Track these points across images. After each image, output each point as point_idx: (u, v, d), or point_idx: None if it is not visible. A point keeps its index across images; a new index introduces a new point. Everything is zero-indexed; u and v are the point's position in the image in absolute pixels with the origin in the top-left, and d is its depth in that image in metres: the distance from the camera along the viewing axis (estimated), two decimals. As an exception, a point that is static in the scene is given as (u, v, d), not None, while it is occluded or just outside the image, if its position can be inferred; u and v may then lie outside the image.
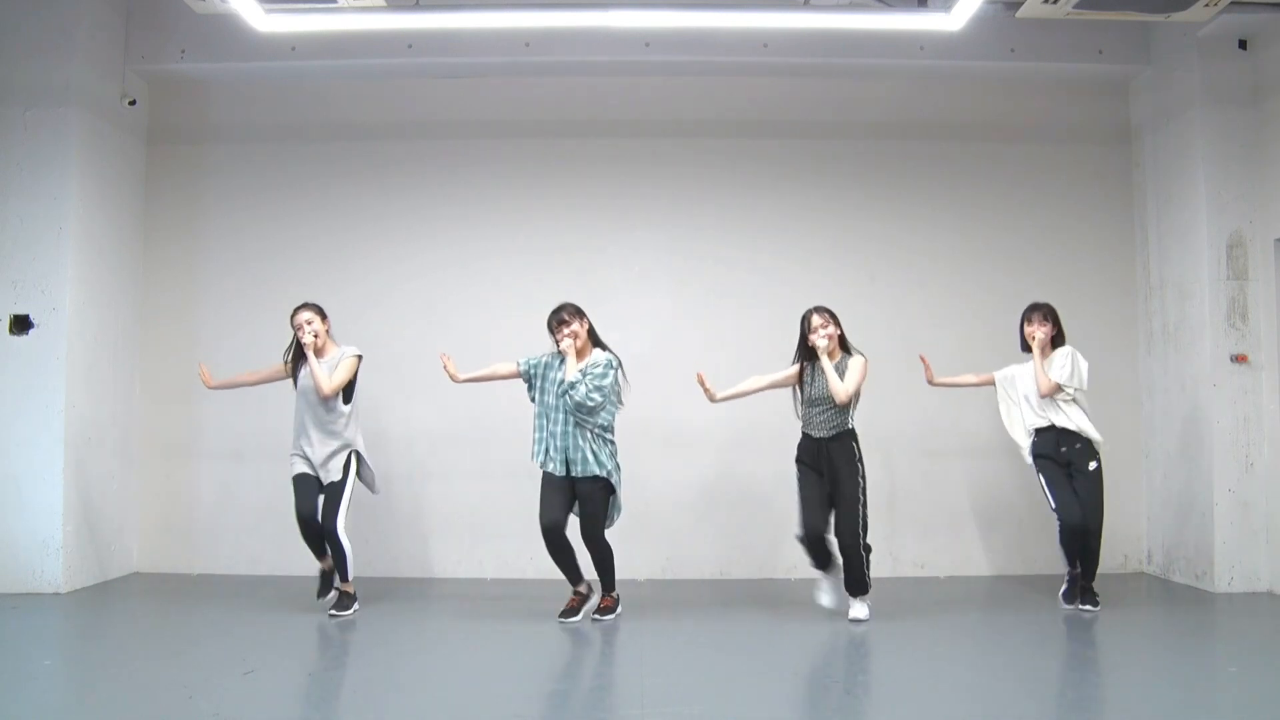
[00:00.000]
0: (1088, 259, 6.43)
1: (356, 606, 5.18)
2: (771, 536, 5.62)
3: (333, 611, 5.09)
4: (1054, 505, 5.16)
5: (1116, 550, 6.31)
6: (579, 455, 4.97)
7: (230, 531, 6.26)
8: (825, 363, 5.00)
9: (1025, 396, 5.29)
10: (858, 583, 5.01)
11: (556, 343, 5.07)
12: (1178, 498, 5.99)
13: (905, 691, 3.98)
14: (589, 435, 4.98)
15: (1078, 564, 5.25)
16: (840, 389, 4.96)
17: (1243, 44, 5.77)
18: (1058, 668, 4.34)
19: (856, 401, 5.11)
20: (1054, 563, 6.08)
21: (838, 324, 5.10)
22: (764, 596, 5.54)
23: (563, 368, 5.03)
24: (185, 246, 6.41)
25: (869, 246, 6.42)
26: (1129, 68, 6.27)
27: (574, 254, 6.34)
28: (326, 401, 5.11)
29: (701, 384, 5.16)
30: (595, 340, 5.14)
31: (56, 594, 5.49)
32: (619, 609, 5.17)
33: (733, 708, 3.75)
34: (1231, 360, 5.71)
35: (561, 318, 5.05)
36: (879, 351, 6.18)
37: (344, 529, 5.11)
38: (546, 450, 5.03)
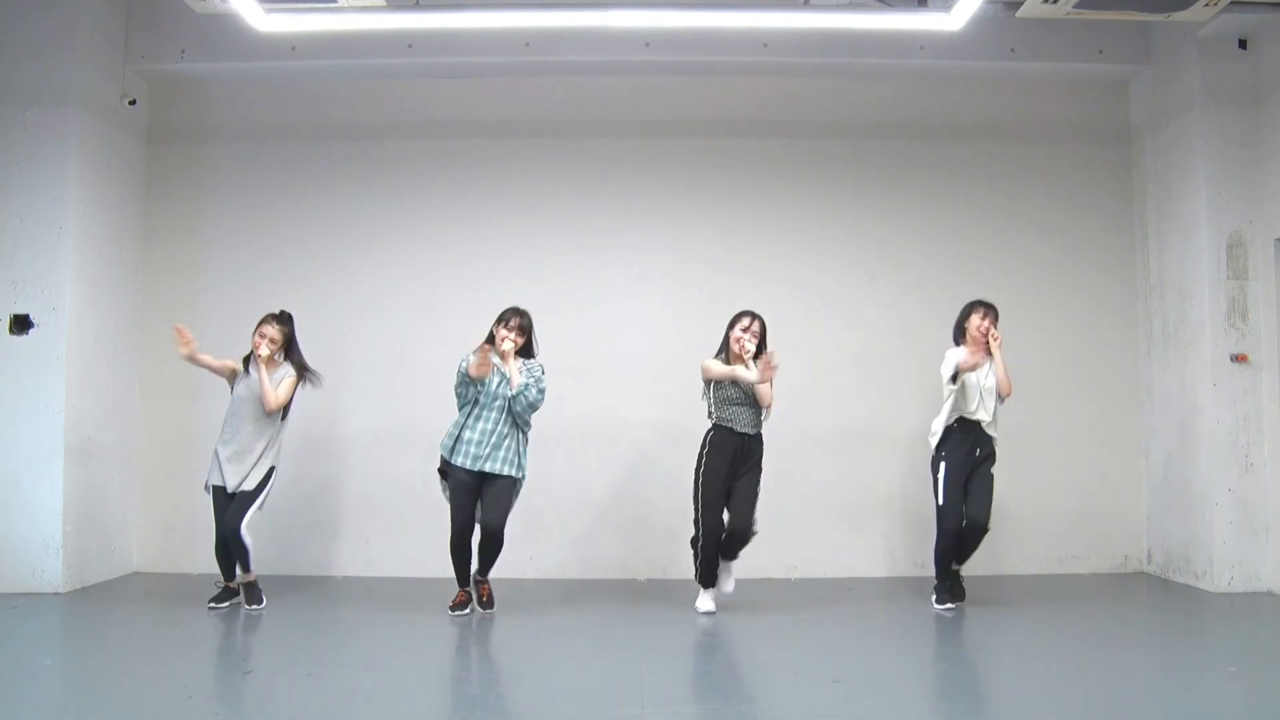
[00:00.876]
0: (1087, 259, 6.43)
1: (239, 600, 5.24)
2: (770, 536, 5.61)
3: (251, 607, 5.17)
4: (942, 502, 5.28)
5: (1116, 550, 6.32)
6: (508, 455, 5.05)
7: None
8: (750, 367, 5.10)
9: (977, 386, 5.28)
10: (735, 556, 5.22)
11: (497, 337, 5.10)
12: (1178, 498, 5.99)
13: (904, 689, 3.98)
14: (520, 436, 5.11)
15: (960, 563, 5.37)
16: (769, 395, 5.12)
17: (1243, 44, 5.77)
18: (1056, 667, 4.34)
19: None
20: (1051, 562, 6.10)
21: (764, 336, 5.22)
22: (763, 596, 5.54)
23: (497, 369, 5.09)
24: (185, 246, 6.41)
25: (869, 246, 6.42)
26: (1129, 68, 6.27)
27: (574, 254, 6.35)
28: (260, 413, 5.20)
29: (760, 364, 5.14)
30: (529, 353, 5.21)
31: (56, 594, 5.49)
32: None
33: (733, 707, 3.76)
34: (1231, 360, 5.71)
35: (521, 324, 5.13)
36: (879, 351, 6.21)
37: (248, 529, 5.16)
38: (464, 443, 5.04)
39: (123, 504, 6.13)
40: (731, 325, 5.22)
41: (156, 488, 6.30)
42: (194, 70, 6.23)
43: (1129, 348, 6.41)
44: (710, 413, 5.20)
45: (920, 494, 6.26)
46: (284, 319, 5.32)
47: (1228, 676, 4.12)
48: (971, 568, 5.92)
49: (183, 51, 6.11)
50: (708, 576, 5.23)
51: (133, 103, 6.12)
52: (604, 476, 6.28)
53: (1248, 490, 5.66)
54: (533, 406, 5.08)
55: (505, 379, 5.07)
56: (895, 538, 6.26)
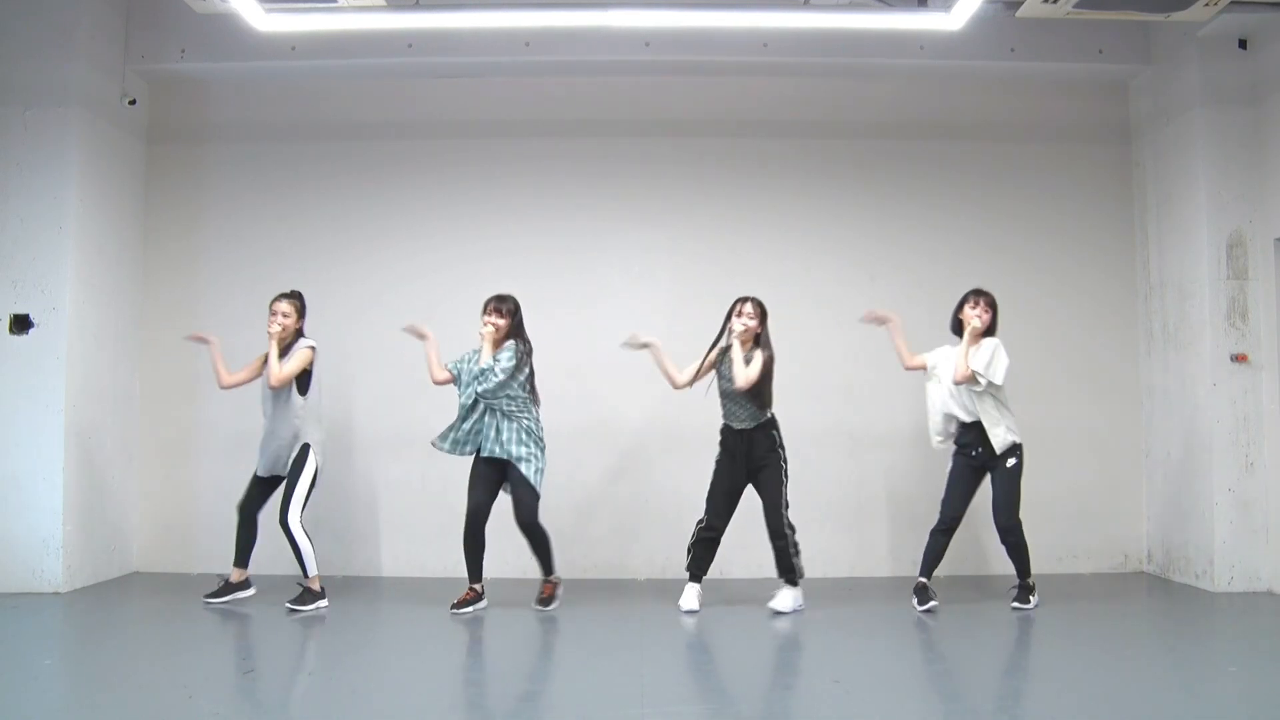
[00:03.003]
0: (1087, 259, 6.43)
1: (323, 604, 5.20)
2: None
3: (291, 605, 5.13)
4: (943, 498, 5.37)
5: (1116, 550, 6.32)
6: (499, 437, 5.16)
7: (230, 531, 6.18)
8: (736, 348, 5.16)
9: (949, 384, 5.32)
10: (787, 569, 5.18)
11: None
12: (1178, 497, 5.99)
13: (904, 689, 3.98)
14: (509, 419, 5.17)
15: (930, 572, 5.32)
16: (742, 374, 5.08)
17: (1243, 44, 5.77)
18: (1056, 667, 4.34)
19: (770, 397, 5.21)
20: (1055, 561, 6.10)
21: (763, 321, 5.24)
22: (763, 596, 5.53)
23: (477, 356, 5.19)
24: (185, 246, 6.41)
25: (869, 246, 6.42)
26: (1129, 68, 6.27)
27: (574, 254, 6.35)
28: (279, 393, 5.17)
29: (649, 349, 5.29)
30: (519, 335, 5.26)
31: (56, 594, 5.49)
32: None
33: (732, 707, 3.76)
34: (1231, 360, 5.71)
35: (495, 306, 5.23)
36: (878, 351, 6.19)
37: (297, 522, 5.15)
38: (457, 437, 5.23)
39: (123, 504, 6.13)
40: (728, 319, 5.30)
41: (156, 488, 6.30)
42: (194, 70, 6.23)
43: (1129, 348, 6.41)
44: None
45: (919, 494, 6.26)
46: (295, 296, 5.31)
47: (1228, 676, 4.12)
48: (971, 567, 5.94)
49: (183, 51, 6.11)
50: (697, 567, 5.29)
51: (133, 103, 6.12)
52: (604, 476, 6.28)
53: (1248, 490, 5.66)
54: (497, 390, 5.13)
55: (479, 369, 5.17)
56: (895, 537, 6.25)
